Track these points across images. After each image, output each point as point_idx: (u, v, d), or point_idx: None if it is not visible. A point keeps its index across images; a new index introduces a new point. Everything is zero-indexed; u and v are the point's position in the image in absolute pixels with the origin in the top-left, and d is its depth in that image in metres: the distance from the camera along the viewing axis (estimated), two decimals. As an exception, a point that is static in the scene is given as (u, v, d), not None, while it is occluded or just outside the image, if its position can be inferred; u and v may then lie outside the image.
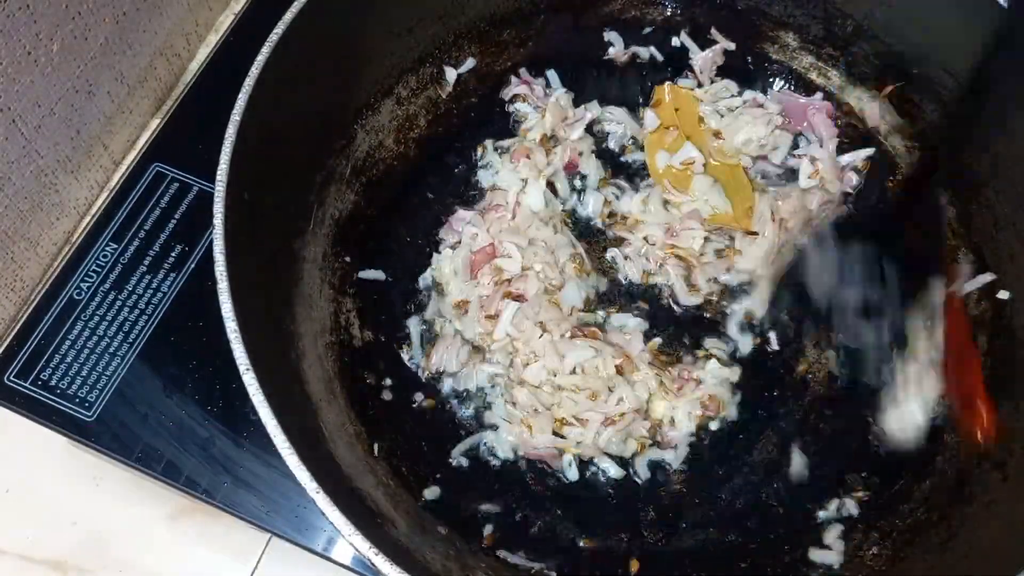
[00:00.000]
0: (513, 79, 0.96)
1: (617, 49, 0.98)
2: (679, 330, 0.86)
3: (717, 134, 0.94)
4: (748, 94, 0.96)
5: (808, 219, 0.88)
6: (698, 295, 0.87)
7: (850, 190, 0.92)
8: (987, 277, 0.82)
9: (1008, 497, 0.71)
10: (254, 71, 0.70)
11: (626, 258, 0.88)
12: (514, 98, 0.96)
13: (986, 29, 0.74)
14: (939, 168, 0.86)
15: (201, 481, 0.77)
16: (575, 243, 0.88)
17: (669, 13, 0.98)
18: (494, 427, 0.81)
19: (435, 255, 0.88)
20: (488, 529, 0.77)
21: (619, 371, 0.81)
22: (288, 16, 0.73)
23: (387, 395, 0.82)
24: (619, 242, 0.90)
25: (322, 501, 0.58)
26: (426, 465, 0.79)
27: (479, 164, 0.93)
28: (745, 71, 0.97)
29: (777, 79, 0.97)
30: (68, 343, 0.83)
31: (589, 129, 0.94)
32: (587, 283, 0.87)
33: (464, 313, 0.84)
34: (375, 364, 0.83)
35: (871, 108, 0.93)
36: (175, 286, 0.86)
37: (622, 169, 0.94)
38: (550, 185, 0.90)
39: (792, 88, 0.97)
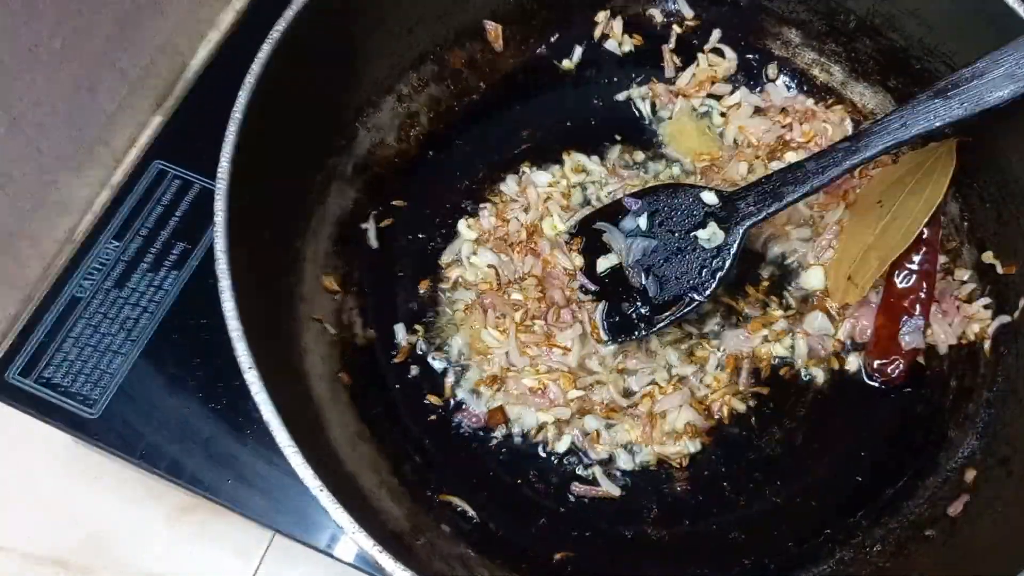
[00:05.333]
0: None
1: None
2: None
3: None
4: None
5: None
6: None
7: None
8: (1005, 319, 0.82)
9: (1011, 495, 0.71)
10: (255, 68, 0.70)
11: None
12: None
13: (989, 23, 0.74)
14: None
15: (204, 479, 0.77)
16: None
17: (671, 11, 0.98)
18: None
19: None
20: (492, 526, 0.77)
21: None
22: (289, 14, 0.72)
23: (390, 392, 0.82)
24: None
25: (325, 499, 0.58)
26: (428, 463, 0.79)
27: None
28: (748, 67, 0.97)
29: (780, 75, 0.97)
30: (71, 341, 0.83)
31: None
32: None
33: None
34: (377, 362, 0.83)
35: (874, 104, 0.93)
36: (177, 284, 0.86)
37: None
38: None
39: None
